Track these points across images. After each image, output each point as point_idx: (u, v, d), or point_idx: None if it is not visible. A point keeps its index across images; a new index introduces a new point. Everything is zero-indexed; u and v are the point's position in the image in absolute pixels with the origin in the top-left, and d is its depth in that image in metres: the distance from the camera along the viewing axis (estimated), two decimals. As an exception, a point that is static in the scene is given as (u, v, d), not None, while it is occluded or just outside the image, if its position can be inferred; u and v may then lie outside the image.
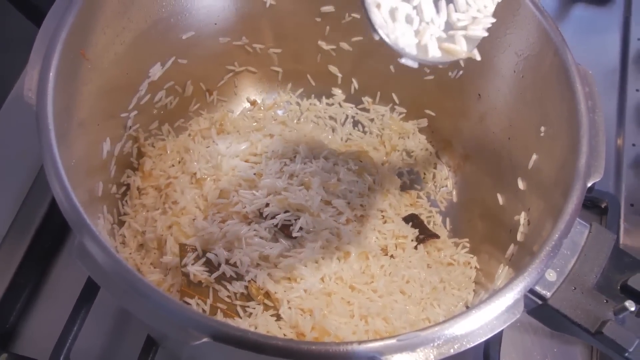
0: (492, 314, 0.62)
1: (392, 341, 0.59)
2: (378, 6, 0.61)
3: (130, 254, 0.92)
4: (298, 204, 0.89)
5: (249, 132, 1.03)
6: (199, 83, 1.04)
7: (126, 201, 0.96)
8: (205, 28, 0.97)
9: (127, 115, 0.92)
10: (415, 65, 0.62)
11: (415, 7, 0.62)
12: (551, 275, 0.68)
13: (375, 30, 0.62)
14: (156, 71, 0.94)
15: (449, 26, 0.63)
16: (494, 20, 0.65)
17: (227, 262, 0.84)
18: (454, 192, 1.06)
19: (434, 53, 0.62)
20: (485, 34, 0.64)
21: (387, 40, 0.61)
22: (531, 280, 0.64)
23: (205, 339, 0.59)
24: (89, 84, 0.80)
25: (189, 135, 1.04)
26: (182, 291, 0.84)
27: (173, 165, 1.00)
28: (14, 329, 0.97)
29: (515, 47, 0.84)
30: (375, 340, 0.59)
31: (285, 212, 0.89)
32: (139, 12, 0.86)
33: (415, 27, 0.62)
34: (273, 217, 0.89)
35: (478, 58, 0.64)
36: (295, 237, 0.88)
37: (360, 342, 0.57)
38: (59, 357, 0.86)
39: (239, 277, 0.83)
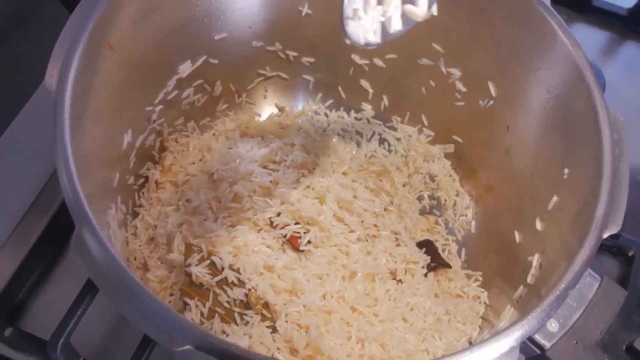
0: (486, 358, 0.60)
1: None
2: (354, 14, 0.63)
3: (139, 246, 0.92)
4: (310, 217, 0.89)
5: (273, 138, 1.02)
6: (229, 84, 1.04)
7: (143, 193, 0.96)
8: (239, 30, 0.97)
9: (152, 109, 0.93)
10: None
11: None
12: (553, 326, 0.65)
13: (347, 37, 0.65)
14: (186, 68, 0.94)
15: None
16: None
17: (230, 267, 0.83)
18: (473, 223, 1.03)
19: (396, 26, 0.65)
20: None
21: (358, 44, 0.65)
22: (530, 329, 0.61)
23: (188, 347, 0.59)
24: (115, 75, 0.81)
25: (214, 134, 1.05)
26: (182, 291, 0.84)
27: (193, 163, 1.00)
28: (22, 306, 0.98)
29: (548, 84, 0.82)
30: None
31: (296, 223, 0.88)
32: (173, 9, 0.86)
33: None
34: (283, 228, 0.88)
35: (435, 13, 0.66)
36: (303, 251, 0.87)
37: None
38: (60, 338, 0.86)
39: (241, 284, 0.83)
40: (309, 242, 0.87)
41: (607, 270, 1.06)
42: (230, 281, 0.83)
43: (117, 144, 0.87)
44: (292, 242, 0.87)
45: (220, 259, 0.84)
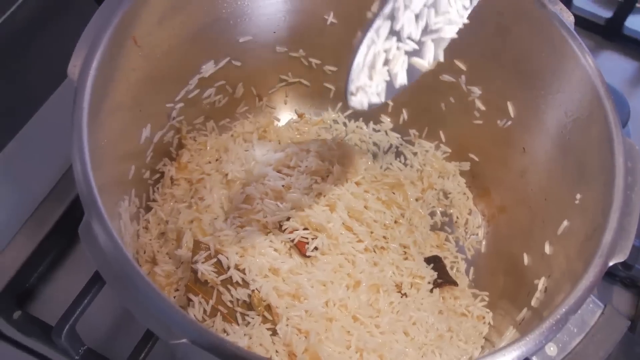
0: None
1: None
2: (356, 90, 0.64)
3: (150, 240, 0.93)
4: (318, 223, 0.89)
5: (289, 143, 1.03)
6: (251, 87, 1.05)
7: (157, 188, 0.97)
8: (264, 35, 0.98)
9: (172, 105, 0.94)
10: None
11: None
12: (552, 350, 0.65)
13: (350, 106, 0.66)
14: (208, 68, 0.96)
15: (422, 33, 0.66)
16: (467, 21, 0.68)
17: (236, 267, 0.84)
18: (484, 242, 1.03)
19: (402, 81, 0.66)
20: (455, 36, 0.68)
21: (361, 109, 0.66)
22: (527, 350, 0.61)
23: (184, 340, 0.60)
24: (138, 70, 0.82)
25: (232, 135, 1.05)
26: (187, 287, 0.85)
27: (209, 162, 1.01)
28: (32, 291, 1.00)
29: (566, 107, 0.81)
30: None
31: (305, 229, 0.89)
32: (199, 9, 0.87)
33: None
34: (291, 232, 0.89)
35: (442, 59, 0.68)
36: (309, 256, 0.88)
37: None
38: (65, 325, 0.87)
39: (245, 285, 0.83)
40: (315, 248, 0.87)
41: (617, 301, 1.05)
42: (234, 281, 0.83)
43: (135, 138, 0.88)
44: (299, 247, 0.88)
45: (227, 258, 0.84)
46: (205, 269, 0.83)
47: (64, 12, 1.10)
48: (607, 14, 1.35)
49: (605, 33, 1.35)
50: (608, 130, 0.74)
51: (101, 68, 0.72)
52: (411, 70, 0.66)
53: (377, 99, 0.66)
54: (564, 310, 0.63)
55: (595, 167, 0.75)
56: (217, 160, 1.02)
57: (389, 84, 0.66)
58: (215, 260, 0.85)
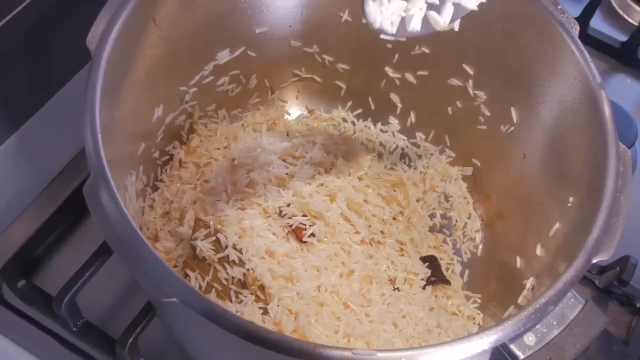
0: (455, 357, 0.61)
1: (348, 353, 0.60)
2: None
3: (154, 217, 0.95)
4: (317, 211, 0.91)
5: (297, 135, 1.06)
6: (264, 79, 1.08)
7: (166, 170, 1.00)
8: (280, 28, 1.01)
9: (186, 89, 0.97)
10: (391, 38, 0.67)
11: None
12: (530, 339, 0.66)
13: (364, 16, 0.65)
14: (224, 56, 0.99)
15: None
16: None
17: (234, 246, 0.86)
18: (480, 247, 1.04)
19: (415, 26, 0.66)
20: (476, 9, 0.67)
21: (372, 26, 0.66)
22: (504, 335, 0.62)
23: (174, 299, 0.62)
24: (154, 49, 0.85)
25: (242, 125, 1.08)
26: (185, 262, 0.87)
27: (218, 149, 1.04)
28: (39, 262, 1.02)
29: (567, 113, 0.84)
30: (328, 347, 0.59)
31: (304, 215, 0.91)
32: (219, -5, 0.91)
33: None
34: (290, 218, 0.91)
35: (456, 29, 0.68)
36: (305, 242, 0.90)
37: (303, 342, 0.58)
38: (66, 296, 0.89)
39: (240, 264, 0.85)
40: (312, 234, 0.89)
41: (613, 318, 1.05)
42: (231, 259, 0.86)
43: (147, 116, 0.91)
44: (297, 233, 0.90)
45: (226, 237, 0.87)
46: (204, 246, 0.86)
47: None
48: (622, 37, 1.37)
49: (620, 56, 1.36)
50: (604, 136, 0.76)
51: (119, 41, 0.75)
52: (425, 23, 0.66)
53: (389, 27, 0.65)
54: (544, 300, 0.64)
55: (589, 170, 0.76)
56: (225, 147, 1.05)
57: (403, 23, 0.66)
58: (214, 238, 0.87)
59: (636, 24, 1.37)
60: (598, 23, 1.40)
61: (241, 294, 0.84)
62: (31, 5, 1.01)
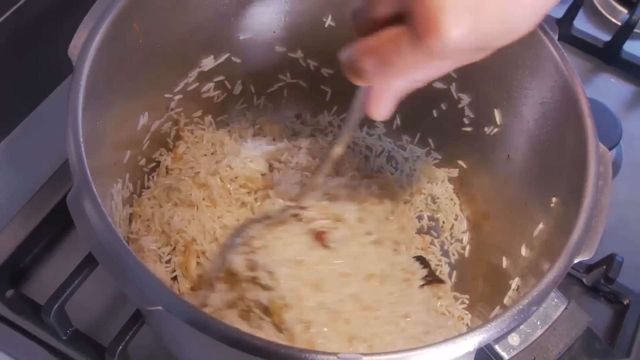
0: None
1: (333, 358, 0.60)
2: None
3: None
4: (339, 213, 0.89)
5: (283, 139, 1.06)
6: (249, 85, 1.08)
7: (152, 177, 1.00)
8: (264, 34, 1.01)
9: (171, 96, 0.97)
10: None
11: None
12: (514, 340, 0.67)
13: None
14: (208, 63, 0.99)
15: None
16: None
17: (265, 268, 0.81)
18: (468, 248, 1.05)
19: None
20: None
21: None
22: (488, 337, 0.63)
23: (158, 307, 0.62)
24: (137, 57, 0.85)
25: (228, 131, 1.09)
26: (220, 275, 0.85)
27: (205, 155, 1.04)
28: (26, 271, 1.03)
29: (548, 115, 0.84)
30: (314, 352, 0.60)
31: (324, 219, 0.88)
32: (201, 2, 0.91)
33: None
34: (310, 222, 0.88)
35: None
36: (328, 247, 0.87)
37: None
38: (55, 304, 0.89)
39: (269, 289, 0.80)
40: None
41: (600, 315, 1.06)
42: (263, 282, 0.81)
43: (132, 124, 0.91)
44: (320, 238, 0.87)
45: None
46: (239, 262, 0.83)
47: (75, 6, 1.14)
48: (606, 37, 1.38)
49: (604, 56, 1.37)
50: (584, 137, 0.76)
51: (101, 51, 0.75)
52: None
53: None
54: (527, 300, 0.65)
55: (570, 171, 0.77)
56: (212, 153, 1.05)
57: None
58: (251, 256, 0.83)
59: (619, 23, 1.38)
60: (582, 23, 1.41)
61: (262, 319, 0.79)
62: (15, 14, 1.02)
